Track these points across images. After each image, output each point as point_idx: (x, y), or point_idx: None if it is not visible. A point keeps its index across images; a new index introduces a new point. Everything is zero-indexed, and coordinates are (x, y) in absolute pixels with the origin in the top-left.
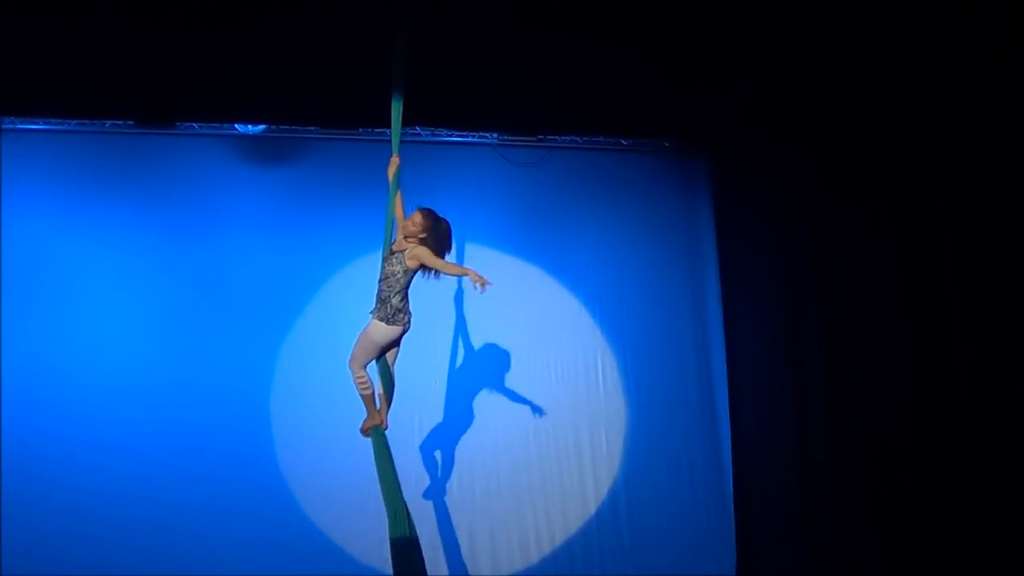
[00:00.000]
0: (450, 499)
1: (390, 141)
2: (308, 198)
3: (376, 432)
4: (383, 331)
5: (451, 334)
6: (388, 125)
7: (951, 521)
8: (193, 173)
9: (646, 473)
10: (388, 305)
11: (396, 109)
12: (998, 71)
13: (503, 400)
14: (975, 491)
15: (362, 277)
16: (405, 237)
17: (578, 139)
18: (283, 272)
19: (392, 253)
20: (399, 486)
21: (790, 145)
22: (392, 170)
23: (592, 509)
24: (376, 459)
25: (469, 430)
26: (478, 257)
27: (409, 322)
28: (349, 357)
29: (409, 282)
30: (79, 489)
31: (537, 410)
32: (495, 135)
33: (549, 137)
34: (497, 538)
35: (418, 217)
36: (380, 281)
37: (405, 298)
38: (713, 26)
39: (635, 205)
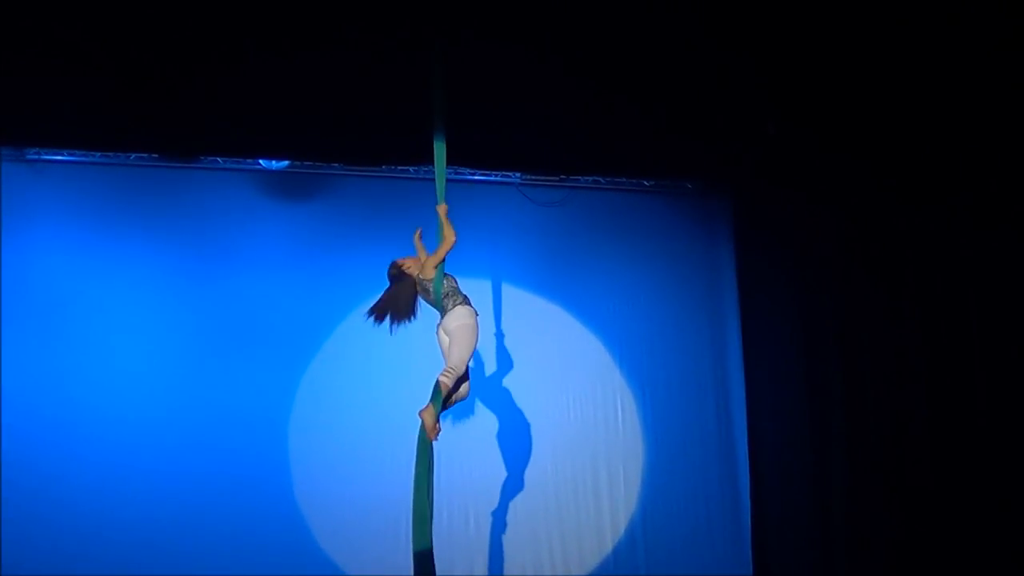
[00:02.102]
0: (467, 534)
1: (418, 180)
2: (331, 234)
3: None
4: (470, 311)
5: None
6: (411, 163)
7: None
8: (216, 207)
9: (664, 512)
10: (457, 294)
11: (439, 155)
12: None
13: (521, 436)
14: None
15: None
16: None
17: (600, 179)
18: (304, 306)
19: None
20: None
21: (812, 188)
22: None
23: (609, 547)
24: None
25: (487, 465)
26: (501, 289)
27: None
28: (457, 362)
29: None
30: (95, 514)
31: (555, 446)
32: (517, 174)
33: (571, 177)
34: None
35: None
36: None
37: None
38: (737, 70)
39: (657, 246)
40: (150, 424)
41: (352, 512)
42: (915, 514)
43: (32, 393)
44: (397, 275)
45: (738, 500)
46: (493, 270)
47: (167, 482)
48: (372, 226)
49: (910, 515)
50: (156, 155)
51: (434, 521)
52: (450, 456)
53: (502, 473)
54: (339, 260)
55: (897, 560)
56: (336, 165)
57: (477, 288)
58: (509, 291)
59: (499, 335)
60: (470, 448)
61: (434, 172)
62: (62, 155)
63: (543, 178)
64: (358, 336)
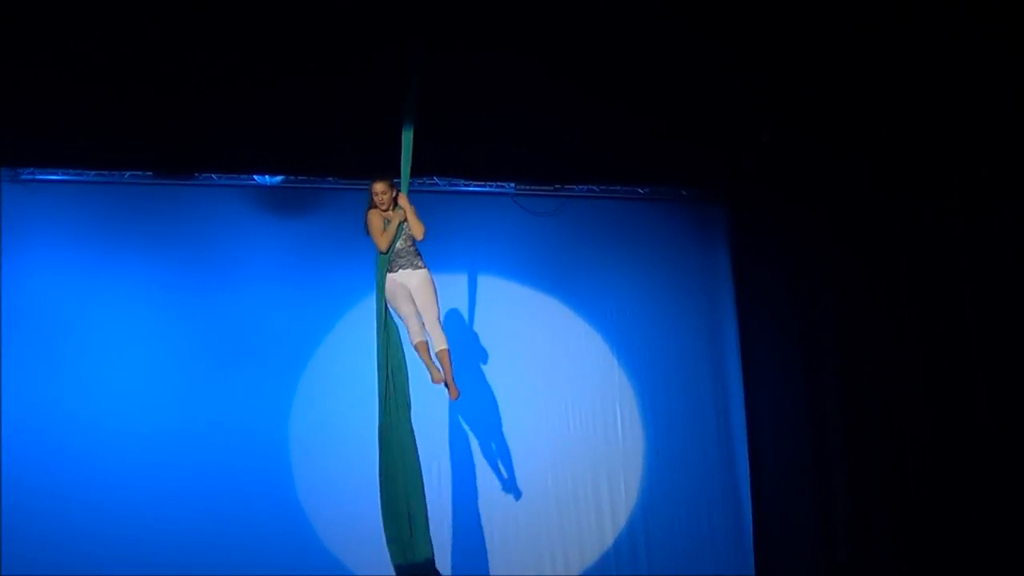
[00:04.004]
0: (467, 536)
1: (412, 192)
2: (325, 248)
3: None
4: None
5: (472, 375)
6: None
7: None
8: (211, 223)
9: (664, 514)
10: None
11: (406, 143)
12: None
13: (522, 439)
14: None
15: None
16: (385, 211)
17: (595, 188)
18: (299, 314)
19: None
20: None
21: (806, 193)
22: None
23: (611, 548)
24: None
25: (487, 468)
26: (500, 300)
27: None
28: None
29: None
30: (98, 524)
31: (556, 450)
32: (512, 185)
33: (566, 186)
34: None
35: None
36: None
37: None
38: (730, 78)
39: (653, 253)
40: (151, 437)
41: (357, 511)
42: (916, 514)
43: (32, 406)
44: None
45: (739, 501)
46: (489, 280)
47: (170, 490)
48: (368, 240)
49: (911, 515)
50: (151, 173)
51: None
52: (454, 459)
53: (503, 476)
54: (334, 271)
55: (898, 560)
56: (330, 179)
57: (479, 296)
58: (506, 299)
59: (497, 342)
60: (470, 452)
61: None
62: (57, 175)
63: (538, 188)
64: (353, 336)
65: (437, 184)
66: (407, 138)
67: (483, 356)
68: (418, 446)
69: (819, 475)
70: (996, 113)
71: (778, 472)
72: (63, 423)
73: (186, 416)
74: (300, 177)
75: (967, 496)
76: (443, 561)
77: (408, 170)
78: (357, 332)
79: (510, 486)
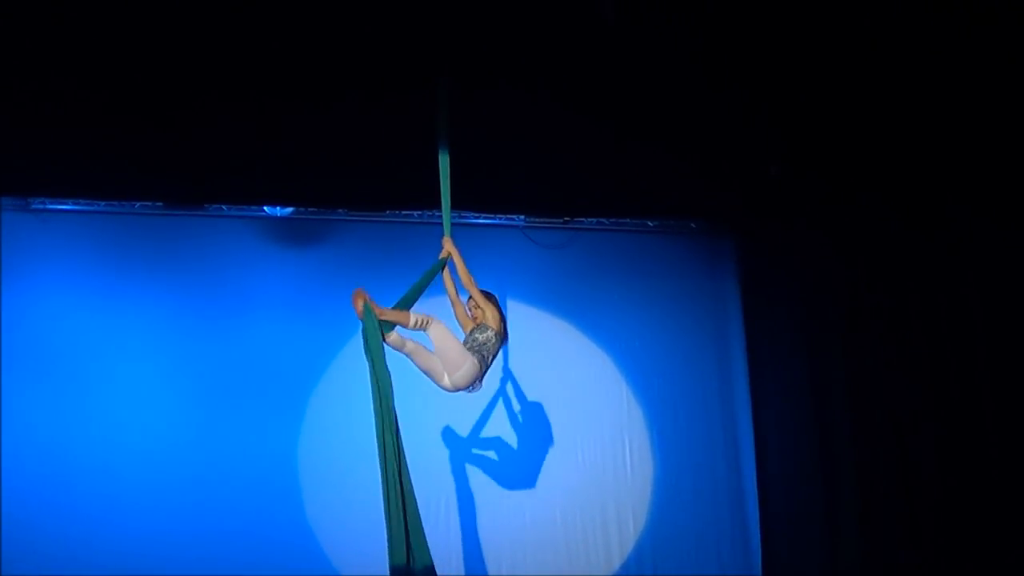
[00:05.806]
0: (473, 562)
1: (422, 224)
2: (335, 276)
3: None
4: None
5: (485, 406)
6: (414, 208)
7: None
8: (222, 254)
9: (672, 543)
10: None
11: (444, 174)
12: None
13: (529, 464)
14: None
15: None
16: (474, 317)
17: (604, 220)
18: (307, 341)
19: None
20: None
21: (814, 227)
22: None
23: (616, 568)
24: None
25: (497, 497)
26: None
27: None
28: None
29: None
30: (108, 558)
31: (564, 481)
32: (522, 217)
33: (575, 219)
34: None
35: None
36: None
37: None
38: (740, 110)
39: (663, 283)
40: (161, 461)
41: (367, 532)
42: (928, 551)
43: (42, 432)
44: None
45: (747, 530)
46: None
47: (180, 513)
48: (378, 271)
49: (922, 552)
50: (161, 203)
51: (443, 543)
52: (458, 484)
53: (511, 500)
54: (341, 299)
55: None
56: (340, 210)
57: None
58: (516, 331)
59: (508, 373)
60: (480, 478)
61: (436, 214)
62: (67, 204)
63: (547, 220)
64: (359, 362)
65: None
66: (444, 182)
67: (493, 385)
68: (425, 472)
69: (829, 505)
70: (1007, 146)
71: (787, 501)
72: (74, 448)
73: (197, 441)
74: (310, 208)
75: (977, 507)
76: None
77: (448, 209)
78: (362, 358)
79: (518, 510)
